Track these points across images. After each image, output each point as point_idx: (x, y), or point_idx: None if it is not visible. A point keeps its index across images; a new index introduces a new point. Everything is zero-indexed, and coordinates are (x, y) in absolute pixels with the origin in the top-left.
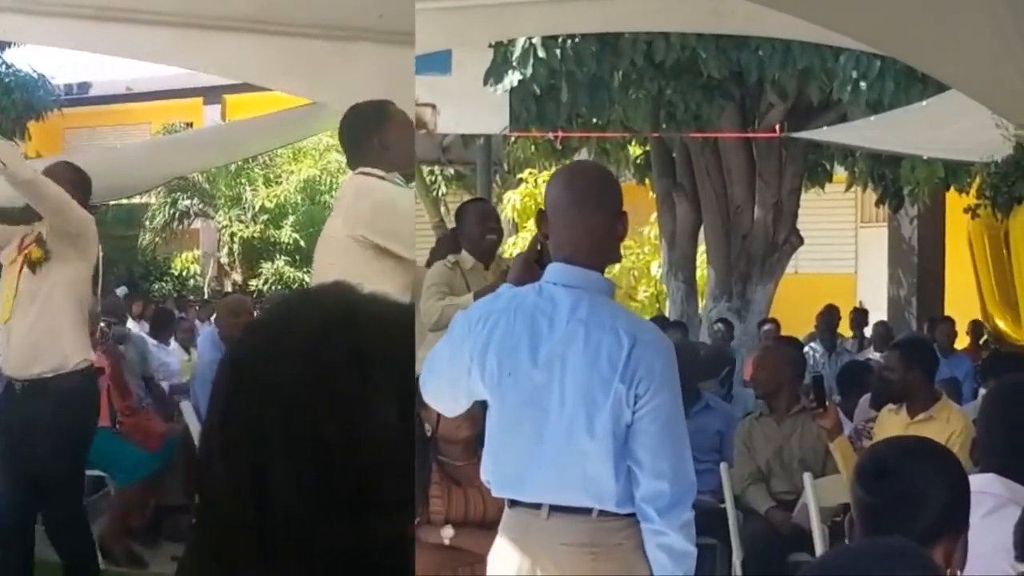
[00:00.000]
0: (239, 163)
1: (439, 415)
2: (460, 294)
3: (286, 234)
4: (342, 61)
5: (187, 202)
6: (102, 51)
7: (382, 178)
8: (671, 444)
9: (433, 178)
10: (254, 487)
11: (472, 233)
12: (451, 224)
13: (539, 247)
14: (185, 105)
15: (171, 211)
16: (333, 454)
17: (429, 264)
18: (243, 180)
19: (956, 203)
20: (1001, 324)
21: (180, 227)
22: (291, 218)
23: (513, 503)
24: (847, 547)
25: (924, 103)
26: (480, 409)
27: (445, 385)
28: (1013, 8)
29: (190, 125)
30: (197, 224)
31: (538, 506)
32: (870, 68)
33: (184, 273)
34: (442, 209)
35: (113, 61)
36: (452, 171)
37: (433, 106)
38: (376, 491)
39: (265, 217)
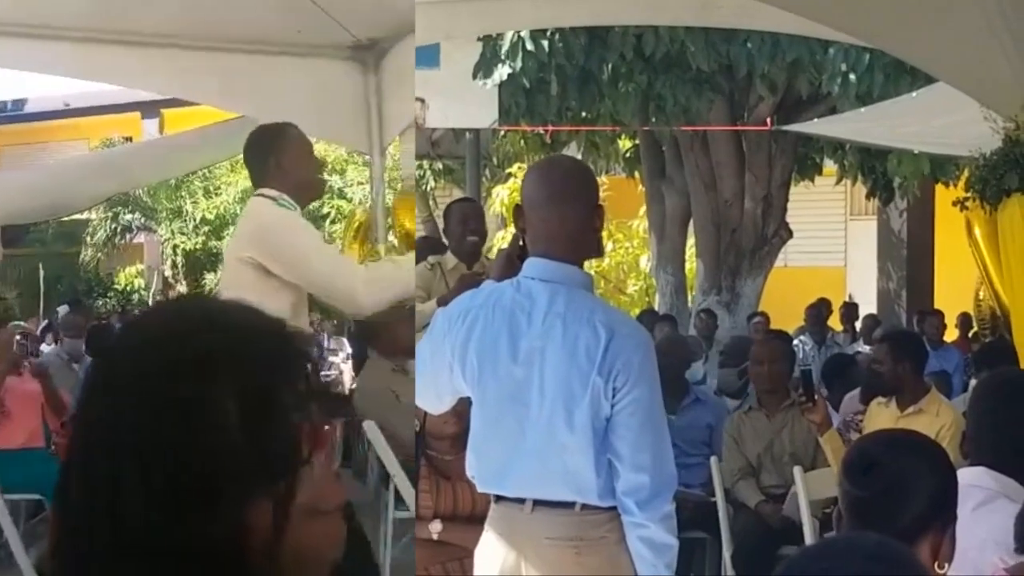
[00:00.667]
0: (179, 176)
1: (426, 412)
2: (440, 295)
3: (227, 244)
4: (266, 75)
5: (129, 216)
6: (36, 69)
7: (274, 199)
8: (651, 437)
9: (422, 172)
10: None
11: (455, 233)
12: (440, 220)
13: (521, 243)
14: (123, 120)
15: (113, 226)
16: (176, 460)
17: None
18: (183, 193)
19: (945, 196)
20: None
21: (122, 242)
22: (231, 228)
23: (498, 498)
24: (821, 543)
25: (914, 95)
26: (467, 405)
27: (428, 383)
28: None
29: (129, 139)
30: (140, 238)
31: (522, 501)
32: (859, 61)
33: (128, 288)
34: (431, 203)
35: (48, 78)
36: (441, 165)
37: (422, 100)
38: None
39: (207, 228)
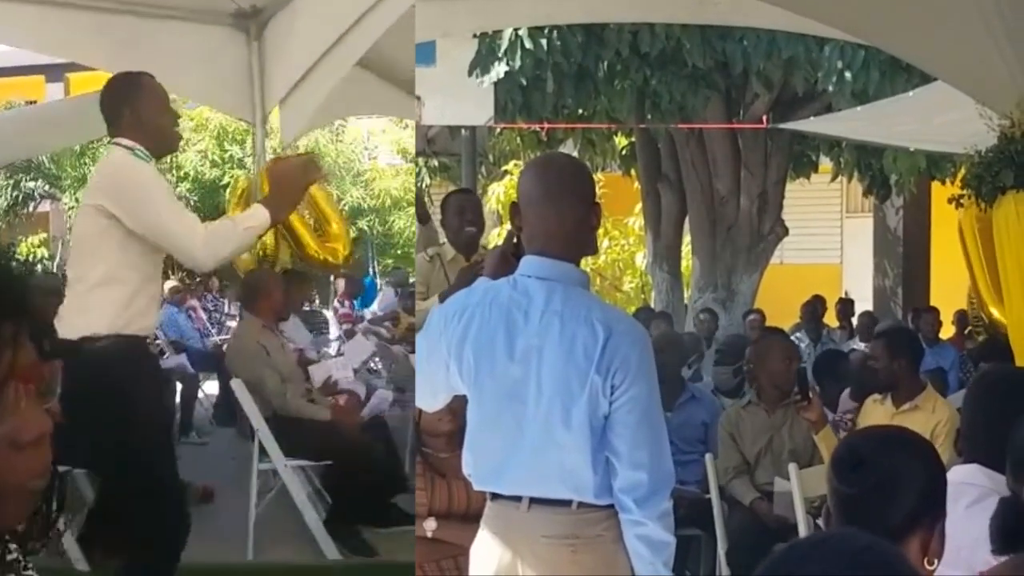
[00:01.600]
0: (84, 142)
1: (421, 409)
2: (440, 287)
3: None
4: (154, 39)
5: (31, 184)
6: None
7: (130, 149)
8: (648, 434)
9: (418, 169)
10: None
11: (452, 224)
12: (436, 214)
13: (515, 240)
14: (26, 83)
15: (14, 194)
16: None
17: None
18: (87, 160)
19: (941, 193)
20: (995, 312)
21: (25, 210)
22: None
23: (494, 496)
24: (808, 540)
25: (911, 94)
26: (462, 402)
27: (424, 380)
28: None
29: (32, 103)
30: (44, 207)
31: (518, 499)
32: (855, 58)
33: (32, 257)
34: (426, 200)
35: None
36: (437, 163)
37: (418, 98)
38: None
39: None
